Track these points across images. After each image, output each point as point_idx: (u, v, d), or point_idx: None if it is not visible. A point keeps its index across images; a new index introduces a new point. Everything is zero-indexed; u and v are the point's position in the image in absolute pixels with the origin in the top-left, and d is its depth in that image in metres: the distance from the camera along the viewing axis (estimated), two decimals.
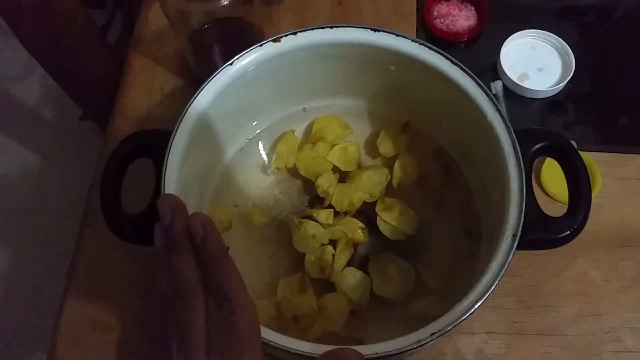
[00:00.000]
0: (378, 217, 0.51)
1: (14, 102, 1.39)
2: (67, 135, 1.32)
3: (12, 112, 1.38)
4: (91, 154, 0.61)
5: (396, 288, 0.49)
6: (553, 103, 0.61)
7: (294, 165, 0.54)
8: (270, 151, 0.55)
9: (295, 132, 0.55)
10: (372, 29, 0.45)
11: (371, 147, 0.56)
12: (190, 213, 0.33)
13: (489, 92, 0.42)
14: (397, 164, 0.52)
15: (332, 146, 0.54)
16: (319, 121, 0.55)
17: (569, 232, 0.41)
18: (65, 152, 1.32)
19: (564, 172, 0.43)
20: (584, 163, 0.42)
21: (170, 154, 0.42)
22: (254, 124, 0.54)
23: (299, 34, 0.45)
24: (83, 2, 0.62)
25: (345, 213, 0.51)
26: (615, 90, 0.63)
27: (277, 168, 0.54)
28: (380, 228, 0.51)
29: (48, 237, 1.22)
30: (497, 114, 0.41)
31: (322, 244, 0.50)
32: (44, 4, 0.56)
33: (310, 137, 0.55)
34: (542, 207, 0.42)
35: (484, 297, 0.37)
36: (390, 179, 0.52)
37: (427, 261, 0.50)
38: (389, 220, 0.50)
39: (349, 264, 0.51)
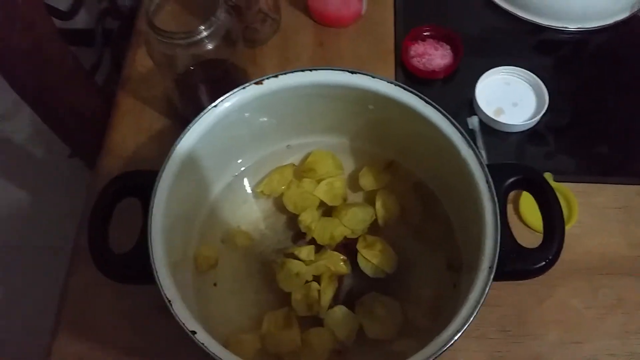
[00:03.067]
0: (359, 254, 0.52)
1: (2, 139, 1.39)
2: (56, 172, 1.32)
3: (0, 149, 1.39)
4: (80, 190, 0.62)
5: (387, 327, 0.49)
6: (534, 134, 0.63)
7: (281, 198, 0.56)
8: (257, 184, 0.56)
9: (295, 166, 0.56)
10: (349, 71, 0.47)
11: (352, 181, 0.57)
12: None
13: (462, 130, 0.44)
14: (378, 204, 0.54)
15: (319, 181, 0.56)
16: (315, 154, 0.56)
17: (544, 263, 0.42)
18: (54, 189, 1.32)
19: (538, 205, 0.45)
20: (556, 196, 0.44)
21: (156, 194, 0.43)
22: (239, 161, 0.55)
23: (280, 76, 0.47)
24: (70, 43, 0.64)
25: (327, 247, 0.52)
26: (592, 121, 0.65)
27: (262, 192, 0.55)
28: (361, 265, 0.52)
29: (36, 275, 1.21)
30: (470, 150, 0.43)
31: (307, 281, 0.51)
32: (34, 47, 0.57)
33: (302, 166, 0.56)
34: (521, 237, 0.43)
35: (463, 329, 0.38)
36: (376, 219, 0.53)
37: (413, 299, 0.51)
38: (369, 257, 0.51)
39: (335, 298, 0.52)
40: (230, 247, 0.54)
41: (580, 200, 0.59)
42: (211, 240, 0.53)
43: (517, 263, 0.42)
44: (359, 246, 0.52)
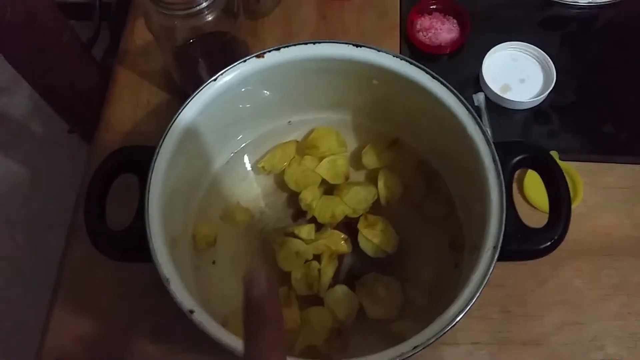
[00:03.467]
0: (359, 234, 0.51)
1: (1, 114, 1.38)
2: (56, 147, 1.32)
3: None
4: (79, 167, 0.61)
5: (388, 307, 0.49)
6: (538, 112, 0.62)
7: (281, 175, 0.55)
8: (258, 159, 0.55)
9: (298, 142, 0.55)
10: (354, 45, 0.45)
11: (355, 159, 0.56)
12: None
13: (469, 106, 0.43)
14: (380, 183, 0.53)
15: (321, 159, 0.55)
16: (318, 130, 0.55)
17: (549, 243, 0.41)
18: (53, 165, 1.31)
19: (544, 184, 0.44)
20: (563, 175, 0.43)
21: (154, 170, 0.42)
22: (239, 137, 0.54)
23: (282, 49, 0.46)
24: (67, 17, 0.62)
25: (327, 225, 0.52)
26: (598, 99, 0.64)
27: (263, 168, 0.54)
28: (361, 245, 0.51)
29: (35, 251, 1.21)
30: (477, 127, 0.42)
31: (307, 260, 0.50)
32: (28, 19, 0.56)
33: (304, 143, 0.55)
34: (525, 217, 0.43)
35: (466, 309, 0.37)
36: (378, 198, 0.53)
37: (413, 279, 0.50)
38: (370, 237, 0.50)
39: (335, 277, 0.51)
40: (229, 224, 0.53)
41: (586, 180, 0.58)
42: (210, 218, 0.52)
43: (522, 243, 0.41)
44: (360, 226, 0.51)
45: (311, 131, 0.55)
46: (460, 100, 0.43)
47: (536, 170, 0.44)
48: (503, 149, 0.42)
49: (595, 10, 0.69)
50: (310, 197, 0.53)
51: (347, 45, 0.46)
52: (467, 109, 0.43)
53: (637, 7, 0.69)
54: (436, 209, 0.52)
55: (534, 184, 0.56)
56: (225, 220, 0.53)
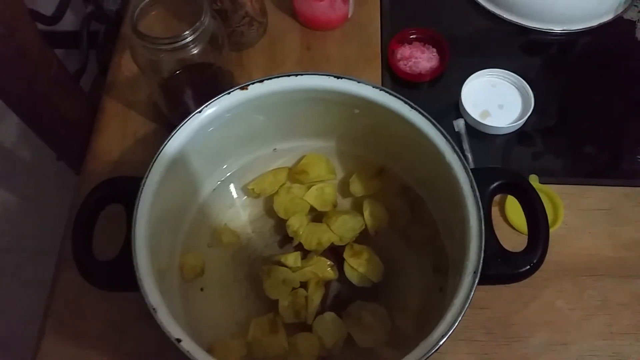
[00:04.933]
0: (345, 263, 0.52)
1: None
2: (44, 175, 1.32)
3: None
4: (68, 193, 0.62)
5: (376, 334, 0.49)
6: (521, 136, 0.64)
7: (269, 202, 0.56)
8: (248, 182, 0.56)
9: (289, 169, 0.56)
10: (334, 76, 0.47)
11: (341, 186, 0.57)
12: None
13: (446, 134, 0.44)
14: (366, 213, 0.53)
15: (309, 186, 0.56)
16: (308, 156, 0.56)
17: (528, 267, 0.42)
18: (42, 192, 1.31)
19: (523, 209, 0.45)
20: (540, 200, 0.44)
21: (140, 201, 0.43)
22: (225, 166, 0.55)
23: (265, 81, 0.47)
24: (55, 45, 0.63)
25: (314, 252, 0.52)
26: (579, 122, 0.66)
27: (252, 190, 0.55)
28: (347, 274, 0.52)
29: (24, 278, 1.20)
30: (455, 155, 0.43)
31: (294, 288, 0.51)
32: (19, 53, 0.57)
33: (294, 168, 0.56)
34: (507, 239, 0.44)
35: (448, 334, 0.38)
36: (366, 227, 0.53)
37: (399, 305, 0.51)
38: (355, 266, 0.51)
39: (323, 304, 0.51)
40: (217, 248, 0.54)
41: (567, 202, 0.59)
42: (197, 246, 0.53)
43: (502, 267, 0.42)
44: (346, 255, 0.52)
45: (302, 157, 0.56)
46: (437, 129, 0.44)
47: (514, 196, 0.46)
48: (481, 175, 0.43)
49: (572, 36, 0.71)
50: (298, 224, 0.54)
51: (328, 76, 0.47)
52: (445, 137, 0.44)
53: (612, 32, 0.71)
54: (420, 233, 0.53)
55: (515, 207, 0.58)
56: (213, 244, 0.54)
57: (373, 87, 0.46)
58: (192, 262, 0.50)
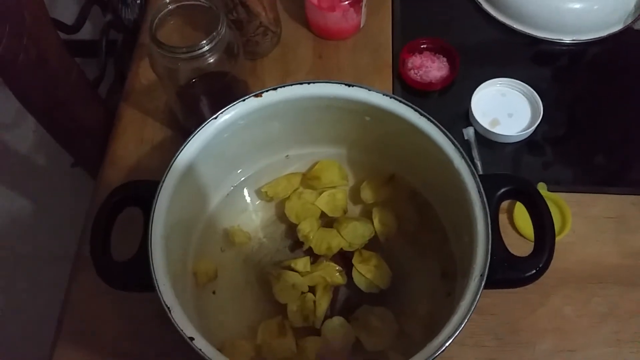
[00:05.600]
0: (354, 269, 0.53)
1: (6, 149, 1.41)
2: (59, 181, 1.34)
3: (4, 158, 1.40)
4: (83, 200, 0.63)
5: (384, 338, 0.50)
6: (530, 144, 0.64)
7: (280, 207, 0.57)
8: (260, 188, 0.57)
9: (303, 174, 0.57)
10: (346, 84, 0.48)
11: (352, 193, 0.58)
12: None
13: (455, 141, 0.45)
14: (376, 220, 0.54)
15: (321, 191, 0.57)
16: (322, 162, 0.57)
17: (534, 271, 0.43)
18: (57, 198, 1.33)
19: (530, 215, 0.46)
20: (547, 206, 0.45)
21: (157, 204, 0.44)
22: (238, 171, 0.56)
23: (279, 89, 0.48)
24: (74, 54, 0.65)
25: (323, 257, 0.53)
26: (588, 131, 0.66)
27: (265, 193, 0.56)
28: (355, 280, 0.53)
29: (39, 283, 1.22)
30: (463, 161, 0.44)
31: (303, 292, 0.52)
32: (40, 60, 0.59)
33: (308, 174, 0.57)
34: (515, 246, 0.44)
35: (454, 336, 0.39)
36: (375, 234, 0.54)
37: (408, 311, 0.51)
38: (364, 272, 0.52)
39: (332, 308, 0.52)
40: (229, 250, 0.55)
41: (575, 210, 0.59)
42: (211, 250, 0.54)
43: (508, 271, 0.43)
44: (355, 261, 0.53)
45: (315, 163, 0.57)
46: (446, 135, 0.45)
47: (521, 202, 0.46)
48: (489, 182, 0.44)
49: (581, 47, 0.72)
50: (308, 228, 0.55)
51: (339, 85, 0.48)
52: (453, 143, 0.45)
53: (621, 43, 0.72)
54: (429, 238, 0.54)
55: (523, 214, 0.58)
56: (225, 247, 0.55)
57: (383, 94, 0.47)
58: (205, 267, 0.51)
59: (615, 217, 0.60)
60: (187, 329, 0.40)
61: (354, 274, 0.53)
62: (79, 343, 0.54)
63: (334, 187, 0.57)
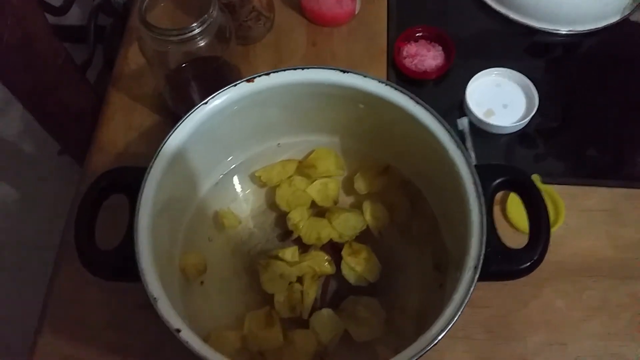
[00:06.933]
0: (343, 261, 0.52)
1: None
2: (46, 168, 1.32)
3: None
4: (70, 187, 0.62)
5: (372, 327, 0.50)
6: (524, 136, 0.64)
7: (271, 195, 0.56)
8: (250, 177, 0.56)
9: (299, 162, 0.56)
10: (341, 70, 0.47)
11: (345, 182, 0.57)
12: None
13: (451, 130, 0.44)
14: (367, 214, 0.54)
15: (313, 180, 0.56)
16: (318, 151, 0.56)
17: (529, 263, 0.42)
18: (43, 186, 1.31)
19: (525, 206, 0.45)
20: (542, 197, 0.44)
21: (143, 191, 0.43)
22: (229, 159, 0.55)
23: (271, 74, 0.47)
24: (62, 40, 0.63)
25: (312, 247, 0.53)
26: (583, 123, 0.66)
27: (259, 177, 0.55)
28: (344, 272, 0.52)
29: (24, 272, 1.21)
30: (458, 151, 0.43)
31: (291, 282, 0.51)
32: (25, 43, 0.57)
33: (304, 162, 0.56)
34: (507, 238, 0.44)
35: (447, 329, 0.38)
36: (367, 227, 0.54)
37: (400, 305, 0.51)
38: (353, 265, 0.51)
39: (323, 300, 0.52)
40: (217, 240, 0.54)
41: (568, 203, 0.59)
42: (199, 239, 0.53)
43: (502, 263, 0.42)
44: (344, 253, 0.52)
45: (311, 152, 0.56)
46: (442, 124, 0.44)
47: (516, 193, 0.46)
48: (484, 172, 0.44)
49: (577, 37, 0.71)
50: (298, 217, 0.54)
51: (334, 70, 0.47)
52: (449, 132, 0.44)
53: (618, 34, 0.71)
54: (420, 227, 0.53)
55: (516, 206, 0.58)
56: (213, 234, 0.54)
57: (380, 81, 0.46)
58: (193, 261, 0.50)
59: (608, 210, 0.59)
60: (174, 320, 0.39)
61: (343, 266, 0.52)
62: (62, 332, 0.53)
63: (329, 177, 0.56)
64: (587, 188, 0.61)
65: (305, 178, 0.56)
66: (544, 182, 0.59)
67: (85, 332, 0.53)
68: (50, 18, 0.64)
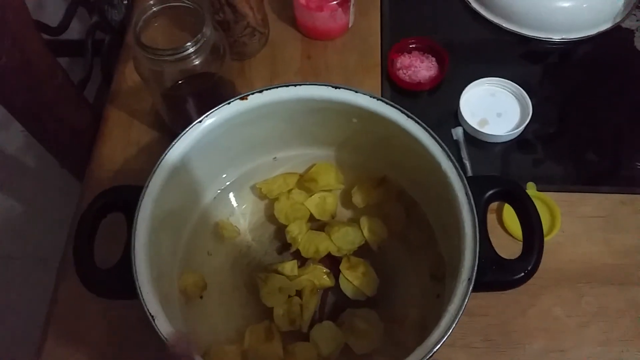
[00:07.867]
0: (341, 275, 0.52)
1: None
2: (48, 182, 1.33)
3: None
4: (72, 200, 0.63)
5: (371, 339, 0.50)
6: (520, 144, 0.64)
7: (269, 209, 0.56)
8: (242, 200, 0.57)
9: (301, 175, 0.57)
10: (332, 86, 0.47)
11: (342, 196, 0.58)
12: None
13: (442, 143, 0.44)
14: (365, 229, 0.54)
15: (312, 194, 0.56)
16: (319, 165, 0.57)
17: (522, 274, 0.43)
18: (45, 200, 1.32)
19: (518, 216, 0.45)
20: (535, 207, 0.45)
21: (140, 209, 0.43)
22: (225, 175, 0.56)
23: (264, 92, 0.48)
24: (59, 54, 0.64)
25: (311, 260, 0.53)
26: (578, 130, 0.66)
27: (260, 190, 0.56)
28: (342, 286, 0.52)
29: (26, 285, 1.21)
30: (450, 163, 0.44)
31: (290, 296, 0.51)
32: (23, 63, 0.58)
33: (305, 176, 0.57)
34: (504, 247, 0.44)
35: (443, 340, 0.38)
36: (366, 242, 0.54)
37: (398, 317, 0.51)
38: (351, 279, 0.52)
39: (321, 312, 0.52)
40: (217, 248, 0.54)
41: (565, 210, 0.59)
42: (197, 255, 0.53)
43: (497, 274, 0.42)
44: (342, 267, 0.53)
45: (312, 166, 0.57)
46: (433, 137, 0.45)
47: (509, 203, 0.46)
48: (476, 183, 0.44)
49: (570, 45, 0.72)
50: (297, 230, 0.54)
51: (326, 86, 0.48)
52: (441, 145, 0.44)
53: (610, 41, 0.72)
54: (417, 238, 0.54)
55: (512, 214, 0.58)
56: (213, 247, 0.54)
57: (370, 96, 0.47)
58: (193, 280, 0.51)
59: (605, 216, 0.60)
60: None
61: (341, 280, 0.52)
62: (65, 346, 0.54)
63: (329, 191, 0.56)
64: (583, 195, 0.61)
65: (305, 192, 0.56)
66: (540, 190, 0.60)
67: (88, 346, 0.54)
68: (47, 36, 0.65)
